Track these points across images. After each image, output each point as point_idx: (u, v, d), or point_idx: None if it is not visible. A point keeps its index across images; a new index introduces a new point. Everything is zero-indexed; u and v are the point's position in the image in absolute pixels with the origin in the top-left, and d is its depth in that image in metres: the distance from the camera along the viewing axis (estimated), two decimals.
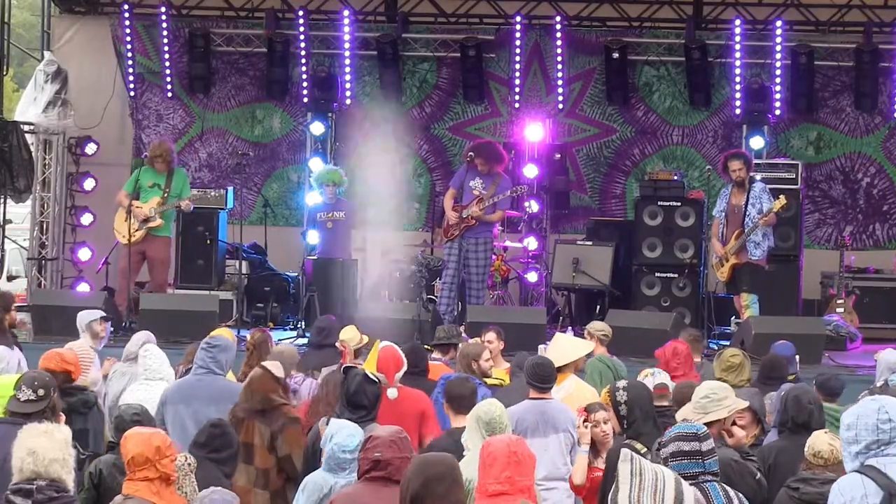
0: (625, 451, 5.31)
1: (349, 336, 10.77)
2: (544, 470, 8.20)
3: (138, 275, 15.47)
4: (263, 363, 8.59)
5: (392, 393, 8.46)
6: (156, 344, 10.11)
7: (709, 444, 5.94)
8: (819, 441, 7.13)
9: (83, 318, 11.25)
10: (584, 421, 8.03)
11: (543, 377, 8.52)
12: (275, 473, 8.07)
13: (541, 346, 10.61)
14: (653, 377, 8.63)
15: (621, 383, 7.64)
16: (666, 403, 8.21)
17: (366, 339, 10.84)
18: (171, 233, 15.77)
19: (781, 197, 14.40)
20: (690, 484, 5.74)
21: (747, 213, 14.43)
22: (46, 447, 5.69)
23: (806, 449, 7.17)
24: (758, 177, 15.29)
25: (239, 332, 14.29)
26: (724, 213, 14.66)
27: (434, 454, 5.65)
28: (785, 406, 7.94)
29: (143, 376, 9.45)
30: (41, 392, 7.35)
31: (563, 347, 9.41)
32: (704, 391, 7.46)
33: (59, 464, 5.71)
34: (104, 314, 11.61)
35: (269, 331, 15.15)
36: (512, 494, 5.78)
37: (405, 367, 8.81)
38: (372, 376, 7.83)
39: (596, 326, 11.38)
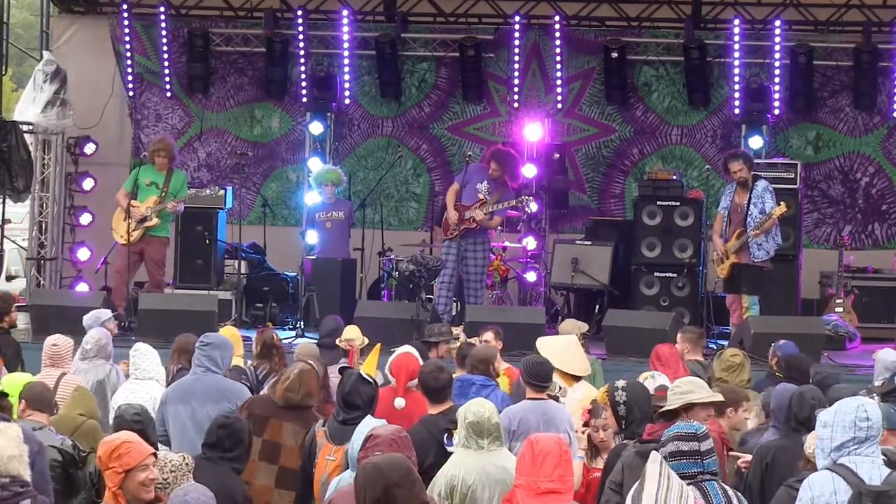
0: (654, 454, 5.34)
1: (354, 335, 10.76)
2: None
3: (135, 275, 15.44)
4: (310, 362, 8.51)
5: (399, 403, 8.33)
6: (110, 342, 10.23)
7: (707, 443, 5.95)
8: (812, 439, 7.13)
9: (96, 317, 11.20)
10: (584, 424, 8.02)
11: (543, 376, 8.53)
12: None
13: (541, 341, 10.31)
14: (653, 379, 8.62)
15: (620, 383, 7.65)
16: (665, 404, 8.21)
17: (366, 339, 10.85)
18: (168, 233, 15.71)
19: (783, 203, 14.39)
20: (689, 483, 5.75)
21: (749, 213, 14.42)
22: (3, 445, 5.72)
23: (806, 448, 7.17)
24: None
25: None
26: (727, 211, 14.65)
27: (386, 457, 5.53)
28: (789, 403, 7.95)
29: (134, 376, 9.44)
30: None
31: (569, 368, 9.37)
32: (672, 385, 7.53)
33: (17, 460, 5.75)
34: (112, 312, 11.67)
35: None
36: (563, 493, 5.80)
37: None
38: (367, 377, 7.79)
39: (565, 327, 11.42)
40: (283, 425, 8.01)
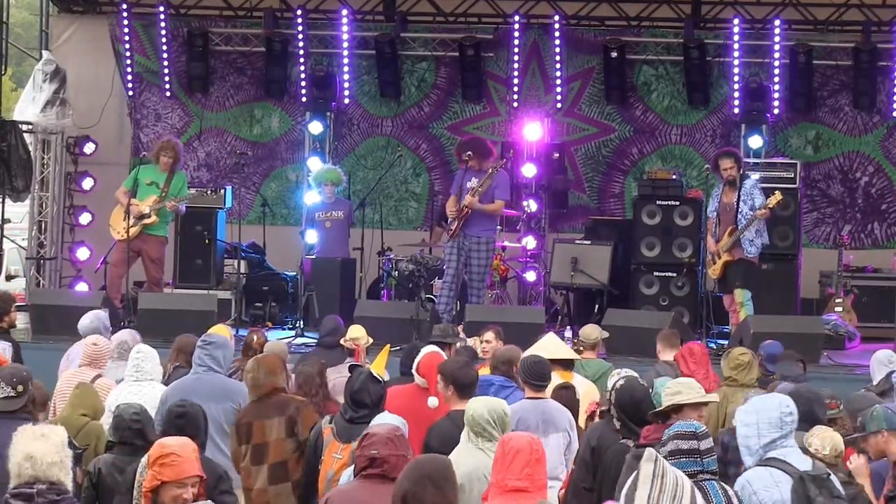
0: (650, 451, 5.33)
1: (360, 334, 10.75)
2: None
3: (129, 270, 15.39)
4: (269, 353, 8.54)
5: (433, 402, 8.30)
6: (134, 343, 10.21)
7: (707, 442, 5.95)
8: (819, 439, 7.13)
9: (98, 318, 11.13)
10: (590, 416, 8.02)
11: (542, 375, 8.52)
12: (294, 462, 8.01)
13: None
14: (618, 375, 8.64)
15: (616, 385, 7.68)
16: None
17: (370, 339, 10.84)
18: (166, 233, 15.68)
19: (776, 193, 14.39)
20: None
21: (739, 211, 14.41)
22: (44, 451, 5.67)
23: (808, 448, 7.17)
24: (754, 175, 15.28)
25: (237, 332, 14.31)
26: (716, 213, 14.65)
27: (429, 455, 5.62)
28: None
29: (133, 377, 9.38)
30: (20, 388, 7.44)
31: (564, 354, 9.46)
32: (665, 386, 7.56)
33: (58, 467, 5.69)
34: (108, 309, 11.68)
35: (268, 330, 15.29)
36: (531, 492, 5.78)
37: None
38: (376, 376, 7.80)
39: (587, 332, 11.43)
40: (265, 424, 8.03)
